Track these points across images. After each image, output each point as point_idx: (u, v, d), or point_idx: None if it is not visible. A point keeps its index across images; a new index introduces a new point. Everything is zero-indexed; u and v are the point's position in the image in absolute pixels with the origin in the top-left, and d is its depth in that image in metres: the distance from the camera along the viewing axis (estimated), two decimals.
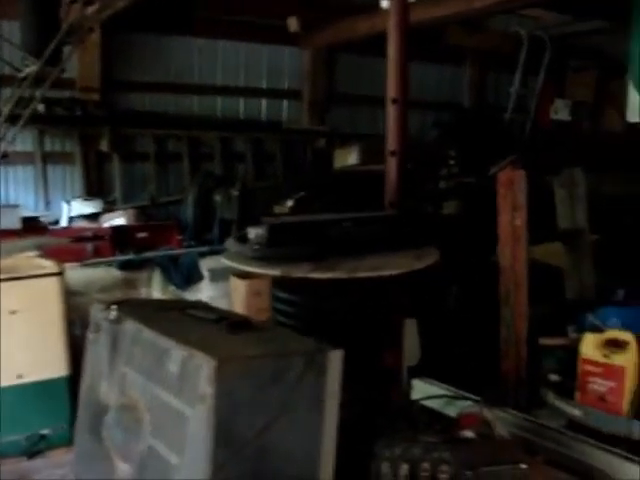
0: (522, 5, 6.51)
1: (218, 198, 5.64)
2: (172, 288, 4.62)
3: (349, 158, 6.87)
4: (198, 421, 1.76)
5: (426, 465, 2.06)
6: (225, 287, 4.49)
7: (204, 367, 1.75)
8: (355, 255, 2.26)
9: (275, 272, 2.20)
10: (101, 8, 4.85)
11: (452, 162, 7.33)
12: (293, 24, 6.85)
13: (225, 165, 7.39)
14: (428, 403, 3.16)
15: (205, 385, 1.74)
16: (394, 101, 2.97)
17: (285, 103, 7.99)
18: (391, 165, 2.96)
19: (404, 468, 2.07)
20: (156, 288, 4.63)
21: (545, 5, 7.20)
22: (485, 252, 4.52)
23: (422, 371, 4.11)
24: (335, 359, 1.86)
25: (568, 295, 4.32)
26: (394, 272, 2.17)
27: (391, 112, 2.98)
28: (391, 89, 2.99)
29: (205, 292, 4.49)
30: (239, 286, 4.37)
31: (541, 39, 8.73)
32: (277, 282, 2.41)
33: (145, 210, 6.58)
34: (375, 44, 5.53)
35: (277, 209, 6.08)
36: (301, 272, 2.13)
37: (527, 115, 8.73)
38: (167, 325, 2.09)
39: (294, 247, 2.24)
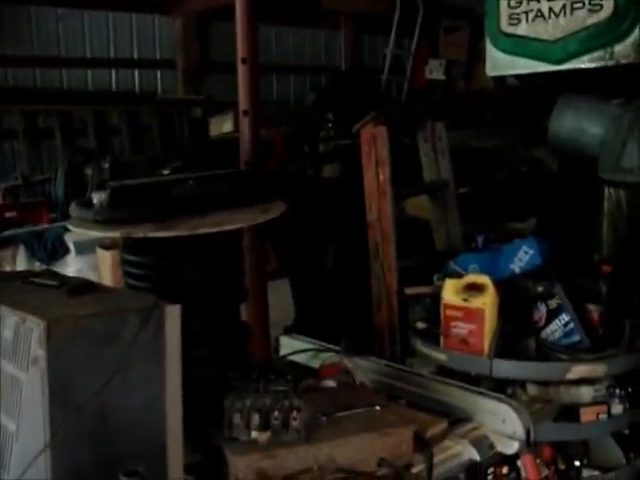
0: None
1: (89, 172, 5.52)
2: (38, 264, 4.52)
3: (224, 126, 6.83)
4: (32, 384, 1.73)
5: (277, 413, 2.10)
6: (92, 259, 4.43)
7: (35, 329, 1.72)
8: (200, 213, 2.25)
9: (116, 234, 2.17)
10: None
11: (330, 125, 7.41)
12: None
13: (100, 139, 7.20)
14: (296, 358, 3.21)
15: (36, 347, 1.71)
16: (243, 61, 2.96)
17: (159, 73, 7.85)
18: (244, 124, 2.97)
19: (255, 418, 2.10)
20: (21, 265, 4.52)
21: None
22: (362, 211, 4.60)
23: (299, 329, 4.17)
24: (173, 314, 1.85)
25: (437, 246, 4.44)
26: (237, 226, 2.18)
27: (241, 72, 2.97)
28: (240, 49, 2.98)
29: (72, 265, 4.42)
30: (105, 256, 4.33)
31: (414, 0, 8.87)
32: (129, 245, 2.38)
33: (16, 190, 6.37)
34: None
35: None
36: (142, 232, 2.11)
37: (403, 76, 8.89)
38: (6, 294, 2.04)
39: (136, 208, 2.22)
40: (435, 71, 8.82)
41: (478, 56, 8.80)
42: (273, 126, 6.42)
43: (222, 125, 6.89)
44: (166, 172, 5.89)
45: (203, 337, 2.29)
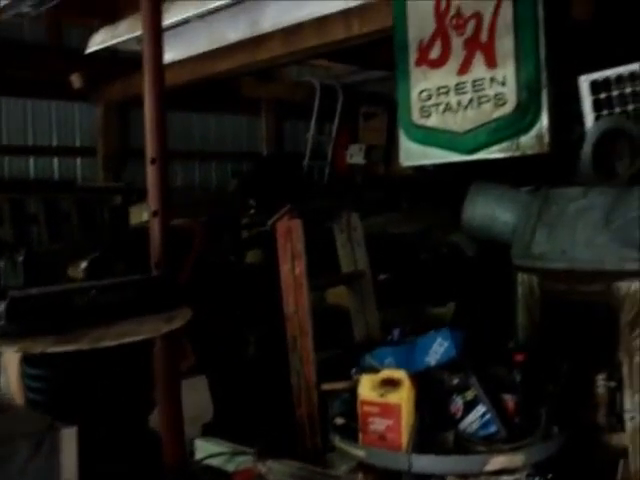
0: (304, 57, 6.73)
1: (2, 265, 5.36)
2: None
3: (144, 214, 6.76)
4: None
5: None
6: None
7: None
8: (103, 323, 2.20)
9: (12, 349, 2.09)
10: None
11: (252, 211, 7.44)
12: (77, 81, 6.71)
13: (17, 228, 7.05)
14: (211, 461, 3.12)
15: None
16: (153, 161, 2.94)
17: (79, 161, 7.79)
18: (154, 225, 2.92)
19: None
20: None
21: (329, 57, 7.49)
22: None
23: (218, 426, 4.08)
24: (69, 437, 1.78)
25: (356, 336, 4.45)
26: (139, 338, 2.13)
27: (150, 172, 2.95)
28: (149, 149, 2.96)
29: None
30: (11, 359, 4.18)
31: (333, 87, 9.12)
32: (27, 358, 2.30)
33: None
34: (169, 97, 5.50)
35: (71, 272, 5.87)
36: (41, 347, 2.04)
37: (325, 161, 9.06)
38: None
39: (35, 320, 2.15)
40: (355, 156, 9.01)
41: (396, 141, 9.05)
42: (194, 213, 6.41)
43: (142, 213, 6.83)
44: (84, 264, 5.78)
45: (107, 452, 2.21)
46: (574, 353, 3.77)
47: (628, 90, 4.15)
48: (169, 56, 5.90)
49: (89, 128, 7.87)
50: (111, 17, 6.56)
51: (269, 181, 7.94)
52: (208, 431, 3.92)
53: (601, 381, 3.70)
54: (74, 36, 7.44)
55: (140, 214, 6.86)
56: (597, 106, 4.23)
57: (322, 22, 5.24)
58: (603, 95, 4.21)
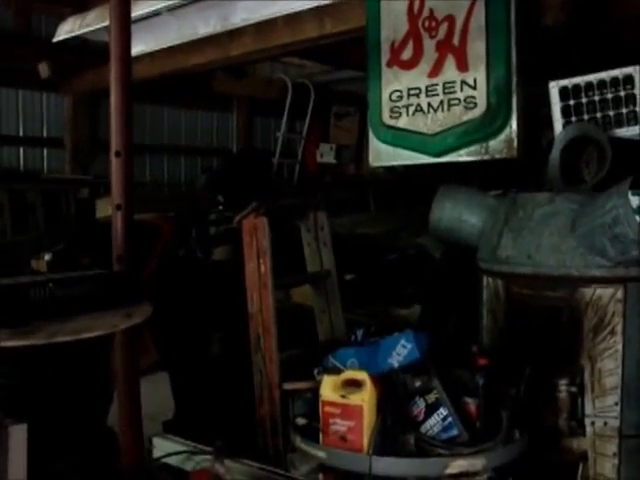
0: (277, 54, 6.69)
1: None
2: None
3: (110, 207, 6.68)
4: None
5: None
6: None
7: None
8: (61, 317, 2.15)
9: None
10: None
11: (221, 207, 7.38)
12: (44, 70, 6.60)
13: None
14: (169, 460, 3.08)
15: None
16: (117, 154, 2.89)
17: (45, 152, 7.68)
18: (117, 219, 2.89)
19: None
20: None
21: (302, 55, 7.46)
22: None
23: (178, 424, 4.03)
24: (18, 435, 1.73)
25: (320, 336, 4.43)
26: (96, 334, 2.09)
27: (115, 165, 2.90)
28: (114, 142, 2.90)
29: None
30: None
31: (306, 86, 9.09)
32: None
33: None
34: (140, 90, 5.43)
35: (35, 264, 5.80)
36: None
37: (295, 159, 9.04)
38: None
39: None
40: (326, 155, 9.02)
41: (367, 141, 9.06)
42: (162, 208, 6.36)
43: (108, 207, 6.73)
44: (48, 257, 5.71)
45: (62, 450, 2.16)
46: (537, 357, 3.78)
47: (597, 98, 4.18)
48: (139, 48, 5.84)
49: (57, 119, 7.75)
50: (82, 6, 6.46)
51: (238, 178, 7.89)
52: (169, 429, 3.87)
53: (563, 386, 3.71)
54: (43, 24, 7.34)
55: (107, 207, 6.72)
56: (566, 112, 4.25)
57: (295, 19, 5.20)
58: (572, 102, 4.23)
